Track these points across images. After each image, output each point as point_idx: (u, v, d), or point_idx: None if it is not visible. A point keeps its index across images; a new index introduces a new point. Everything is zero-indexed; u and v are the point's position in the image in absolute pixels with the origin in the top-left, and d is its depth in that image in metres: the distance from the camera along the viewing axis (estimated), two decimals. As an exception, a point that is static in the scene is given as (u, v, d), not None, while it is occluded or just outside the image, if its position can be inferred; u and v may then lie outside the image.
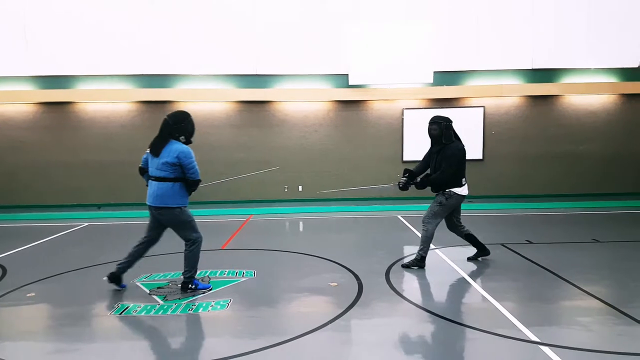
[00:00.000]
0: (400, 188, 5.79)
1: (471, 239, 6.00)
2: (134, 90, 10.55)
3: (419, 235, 7.55)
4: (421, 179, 5.69)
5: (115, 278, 5.01)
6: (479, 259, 6.10)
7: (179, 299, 4.78)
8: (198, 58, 10.59)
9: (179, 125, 4.73)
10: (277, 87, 10.70)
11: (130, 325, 4.24)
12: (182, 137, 4.76)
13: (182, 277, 4.99)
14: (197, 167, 4.73)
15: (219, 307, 4.57)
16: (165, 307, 4.56)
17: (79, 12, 10.43)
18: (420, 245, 5.72)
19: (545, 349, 3.53)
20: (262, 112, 10.84)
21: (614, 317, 4.17)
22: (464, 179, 5.65)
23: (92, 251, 7.05)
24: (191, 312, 4.45)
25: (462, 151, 5.62)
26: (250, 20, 10.54)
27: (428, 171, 5.81)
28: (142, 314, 4.42)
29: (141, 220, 9.72)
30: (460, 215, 5.94)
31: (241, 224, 8.88)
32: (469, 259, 6.11)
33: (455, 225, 5.93)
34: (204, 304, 4.63)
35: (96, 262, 6.34)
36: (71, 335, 4.02)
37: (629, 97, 10.80)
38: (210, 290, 5.03)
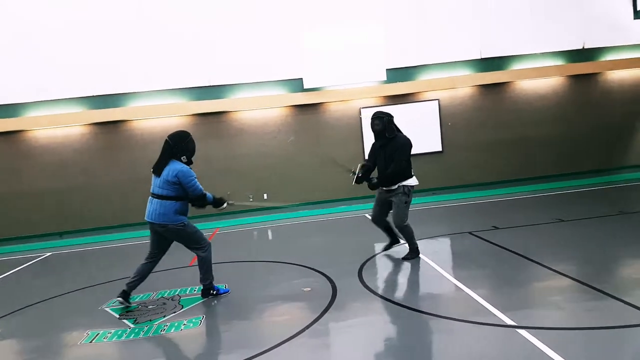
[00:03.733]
0: (355, 181, 5.83)
1: (389, 231, 6.15)
2: (86, 113, 10.16)
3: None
4: (377, 178, 5.70)
5: (126, 295, 5.04)
6: (394, 246, 6.28)
7: (150, 320, 4.62)
8: (149, 73, 10.30)
9: (179, 146, 4.84)
10: (233, 97, 10.54)
11: (102, 353, 4.05)
12: (183, 157, 4.86)
13: (200, 285, 5.12)
14: (197, 183, 4.85)
15: (191, 325, 4.44)
16: (137, 330, 4.41)
17: (23, 34, 9.97)
18: (409, 241, 5.85)
19: (522, 331, 3.58)
20: (219, 123, 10.65)
21: (584, 293, 4.28)
22: (412, 169, 5.75)
23: (56, 281, 6.75)
24: (164, 332, 4.31)
25: (409, 141, 5.69)
26: (200, 31, 10.34)
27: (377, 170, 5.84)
28: (114, 339, 4.26)
29: (105, 244, 9.40)
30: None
31: (208, 238, 8.67)
32: (384, 249, 6.28)
33: (383, 218, 6.01)
34: (176, 324, 4.48)
35: (61, 292, 6.03)
36: None
37: (577, 78, 11.19)
38: (229, 293, 5.19)
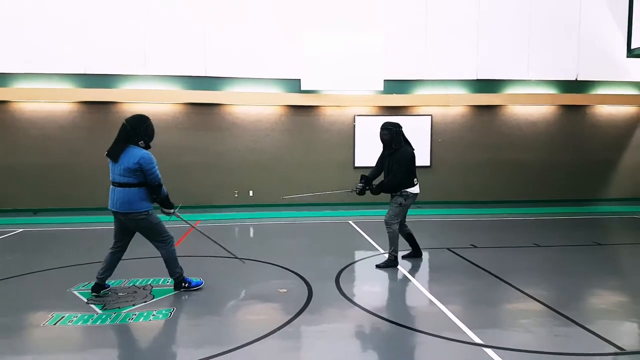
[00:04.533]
0: (357, 193, 6.06)
1: (410, 239, 6.30)
2: (75, 90, 10.05)
3: (370, 240, 7.64)
4: (376, 184, 5.93)
5: (99, 288, 4.90)
6: (411, 258, 6.39)
7: (119, 307, 4.55)
8: (144, 57, 10.24)
9: (137, 130, 4.63)
10: (228, 90, 10.51)
11: (65, 336, 3.96)
12: (141, 142, 4.66)
13: (171, 279, 5.02)
14: (158, 172, 4.67)
15: (160, 316, 4.37)
16: (104, 316, 4.33)
17: (17, 6, 9.83)
18: (391, 247, 5.92)
19: (489, 350, 3.61)
20: (211, 114, 10.61)
21: (552, 318, 4.34)
22: (415, 179, 5.93)
23: (26, 259, 6.61)
24: (131, 321, 4.24)
25: (412, 154, 5.89)
26: (201, 21, 10.31)
27: (382, 175, 6.06)
28: (79, 324, 4.18)
29: (82, 225, 9.27)
30: (406, 215, 6.12)
31: (187, 231, 8.61)
32: (403, 256, 6.37)
33: (400, 224, 6.10)
34: (145, 313, 4.42)
35: (30, 270, 5.93)
36: (2, 348, 3.74)
37: (568, 108, 11.41)
38: (202, 287, 5.09)
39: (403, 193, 5.84)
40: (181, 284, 5.00)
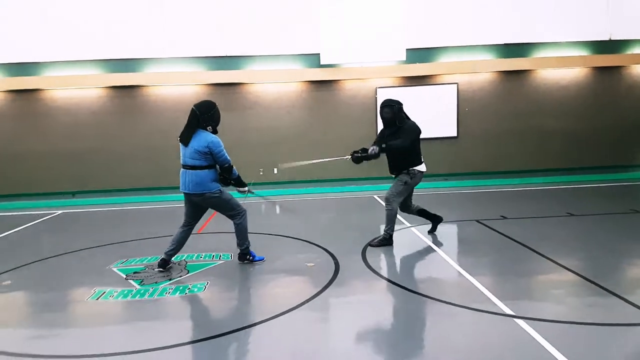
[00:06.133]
0: (353, 159, 5.79)
1: (423, 213, 6.15)
2: (103, 76, 10.22)
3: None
4: (385, 149, 5.55)
5: (165, 264, 5.10)
6: (435, 231, 6.27)
7: (156, 282, 4.75)
8: (166, 41, 10.28)
9: (206, 115, 4.83)
10: (249, 69, 10.49)
11: (107, 310, 4.18)
12: (209, 127, 4.86)
13: (238, 249, 5.22)
14: (226, 154, 4.87)
15: (196, 289, 4.54)
16: (142, 291, 4.54)
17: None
18: (387, 225, 5.78)
19: (520, 321, 3.59)
20: (233, 94, 10.63)
21: (587, 288, 4.26)
22: (422, 157, 5.75)
23: (66, 239, 6.91)
24: (168, 295, 4.43)
25: (418, 128, 5.67)
26: (219, 0, 10.25)
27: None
28: (119, 298, 4.40)
29: (116, 206, 9.57)
30: (411, 195, 5.98)
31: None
32: (429, 232, 6.27)
33: (407, 206, 6.01)
34: (181, 287, 4.60)
35: (70, 249, 6.21)
36: (49, 321, 4.01)
37: (600, 70, 10.92)
38: (264, 261, 5.28)
39: (410, 171, 5.63)
40: (246, 255, 5.21)
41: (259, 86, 10.65)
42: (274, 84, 10.62)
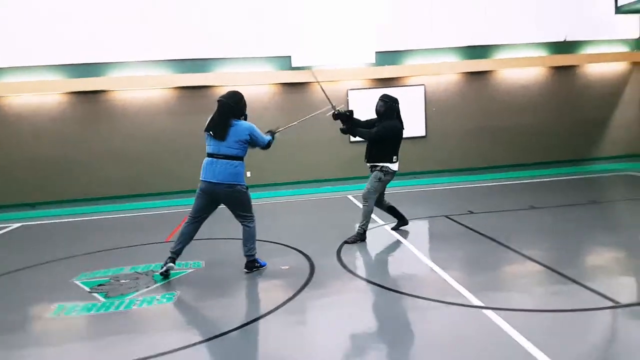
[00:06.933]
0: (334, 116, 6.01)
1: (392, 211, 6.34)
2: (64, 81, 9.91)
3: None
4: (356, 125, 5.94)
5: (172, 261, 4.93)
6: (400, 228, 6.43)
7: (122, 294, 4.58)
8: (132, 44, 10.07)
9: (238, 105, 4.85)
10: (218, 71, 10.40)
11: (70, 326, 4.00)
12: (242, 117, 4.89)
13: (246, 256, 5.01)
14: (263, 135, 4.98)
15: (165, 300, 4.41)
16: (107, 304, 4.36)
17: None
18: (363, 220, 5.94)
19: (488, 312, 3.68)
20: (204, 97, 10.48)
21: (550, 277, 4.41)
22: (395, 157, 5.89)
23: (25, 253, 6.62)
24: (135, 307, 4.28)
25: (398, 128, 5.88)
26: (188, 2, 10.12)
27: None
28: (83, 313, 4.20)
29: (79, 217, 9.26)
30: (384, 191, 6.20)
31: (186, 215, 8.63)
32: (393, 228, 6.44)
33: (380, 202, 6.19)
34: (149, 299, 4.45)
35: (29, 264, 5.93)
36: (7, 343, 3.78)
37: (558, 70, 11.33)
38: (265, 267, 5.14)
39: (383, 168, 5.84)
40: (254, 263, 5.03)
41: (230, 89, 10.50)
42: (245, 87, 10.52)
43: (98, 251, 6.34)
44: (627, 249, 5.18)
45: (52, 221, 9.03)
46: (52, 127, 10.09)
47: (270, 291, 4.59)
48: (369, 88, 10.71)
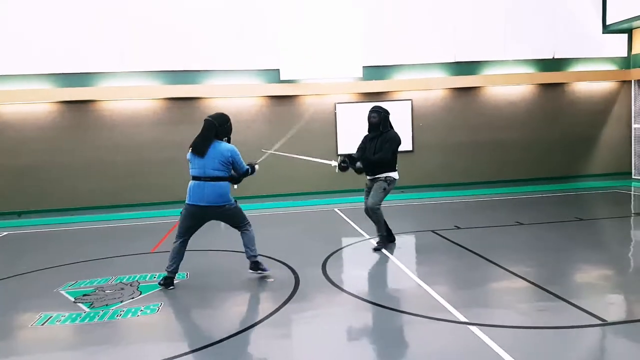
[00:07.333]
0: (340, 168, 6.04)
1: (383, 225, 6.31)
2: (53, 90, 9.86)
3: (355, 226, 7.69)
4: (362, 162, 6.00)
5: (170, 281, 4.96)
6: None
7: (107, 305, 4.55)
8: (121, 54, 10.06)
9: (224, 127, 4.93)
10: (207, 83, 10.41)
11: (54, 336, 3.96)
12: (225, 138, 4.96)
13: (250, 259, 5.13)
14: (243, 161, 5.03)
15: (148, 311, 4.38)
16: (92, 314, 4.33)
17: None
18: (380, 229, 6.08)
19: (474, 328, 3.69)
20: (192, 108, 10.49)
21: (536, 294, 4.43)
22: (396, 165, 6.07)
23: (10, 261, 6.54)
24: (119, 318, 4.25)
25: (399, 137, 6.05)
26: (178, 14, 10.16)
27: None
28: (67, 323, 4.17)
29: (65, 226, 9.15)
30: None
31: (172, 226, 8.57)
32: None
33: None
34: (133, 309, 4.42)
35: (14, 273, 5.86)
36: None
37: (546, 87, 11.49)
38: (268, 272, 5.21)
39: (387, 179, 5.94)
40: (259, 264, 5.12)
41: (219, 101, 10.55)
42: (234, 99, 10.56)
43: (84, 261, 6.28)
44: (613, 267, 5.24)
45: (39, 230, 8.92)
46: (40, 136, 10.02)
47: (254, 303, 4.57)
48: (357, 102, 10.80)
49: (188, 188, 4.89)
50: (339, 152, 10.93)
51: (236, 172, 4.99)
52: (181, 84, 10.25)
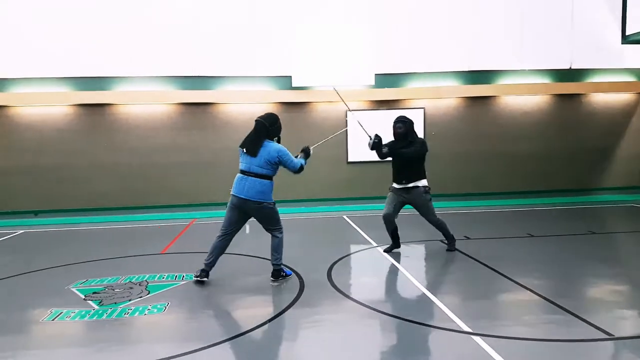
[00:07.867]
0: (373, 145, 6.03)
1: (394, 234, 6.35)
2: (71, 93, 10.10)
3: (363, 234, 7.68)
4: (392, 156, 6.04)
5: (205, 274, 5.13)
6: (392, 251, 6.43)
7: (115, 303, 4.65)
8: (137, 59, 10.26)
9: (274, 127, 5.06)
10: (220, 89, 10.55)
11: (63, 331, 4.07)
12: (275, 138, 5.10)
13: (273, 265, 5.19)
14: (294, 158, 5.10)
15: (155, 310, 4.46)
16: (101, 311, 4.44)
17: (11, 14, 9.88)
18: (446, 234, 6.31)
19: (477, 338, 3.66)
20: (204, 114, 10.64)
21: (544, 307, 4.38)
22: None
23: (25, 259, 6.70)
24: (127, 316, 4.34)
25: (428, 146, 6.11)
26: (192, 20, 10.33)
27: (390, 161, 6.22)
28: (77, 319, 4.28)
29: (78, 226, 9.32)
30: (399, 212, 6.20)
31: (183, 228, 8.68)
32: (385, 250, 6.42)
33: (392, 220, 6.18)
34: (140, 308, 4.51)
35: (29, 269, 6.02)
36: (2, 344, 3.86)
37: (562, 98, 11.36)
38: (290, 276, 5.34)
39: (426, 188, 6.04)
40: (280, 272, 5.19)
41: (232, 106, 10.68)
42: (246, 105, 10.67)
43: (95, 260, 6.42)
44: (625, 282, 5.14)
45: (53, 229, 9.10)
46: (58, 138, 10.26)
47: (259, 306, 4.60)
48: (368, 109, 10.82)
49: (235, 180, 5.07)
50: (349, 160, 10.97)
51: (290, 170, 5.09)
52: (195, 89, 10.41)
